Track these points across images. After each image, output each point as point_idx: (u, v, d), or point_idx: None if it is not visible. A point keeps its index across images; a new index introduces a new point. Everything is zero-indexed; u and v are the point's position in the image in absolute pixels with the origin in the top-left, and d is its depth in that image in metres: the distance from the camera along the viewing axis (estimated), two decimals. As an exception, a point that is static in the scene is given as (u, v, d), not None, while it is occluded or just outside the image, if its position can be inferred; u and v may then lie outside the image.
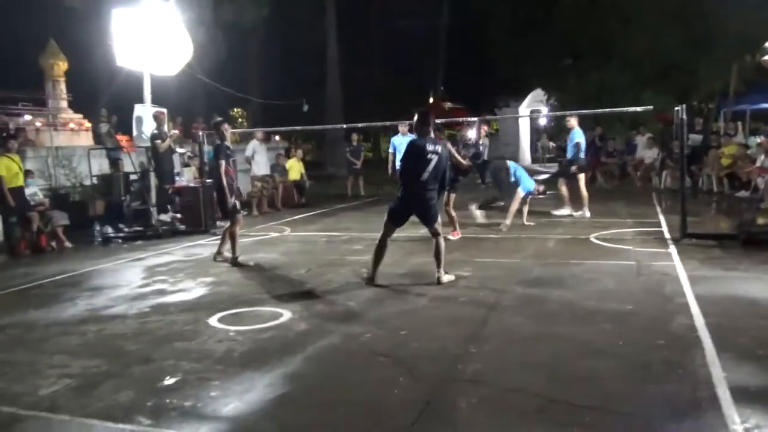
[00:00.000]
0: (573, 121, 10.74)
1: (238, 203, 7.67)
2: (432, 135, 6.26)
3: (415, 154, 6.04)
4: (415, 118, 6.25)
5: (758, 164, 10.80)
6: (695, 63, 16.47)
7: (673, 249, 7.32)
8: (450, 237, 8.21)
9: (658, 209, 10.97)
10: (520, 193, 9.28)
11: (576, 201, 10.51)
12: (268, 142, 16.19)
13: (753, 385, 3.42)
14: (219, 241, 7.97)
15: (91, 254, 8.87)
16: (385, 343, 4.40)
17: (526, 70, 21.27)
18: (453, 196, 8.67)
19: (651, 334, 4.32)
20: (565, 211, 10.53)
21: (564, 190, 10.72)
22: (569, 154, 10.70)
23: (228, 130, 7.84)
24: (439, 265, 6.09)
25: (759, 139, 13.25)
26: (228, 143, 7.74)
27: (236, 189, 7.68)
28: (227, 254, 7.65)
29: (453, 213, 8.68)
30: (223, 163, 7.45)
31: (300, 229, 10.59)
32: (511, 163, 9.55)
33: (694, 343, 4.10)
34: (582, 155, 10.57)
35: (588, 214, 10.29)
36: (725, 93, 17.61)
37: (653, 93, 16.31)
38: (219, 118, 8.83)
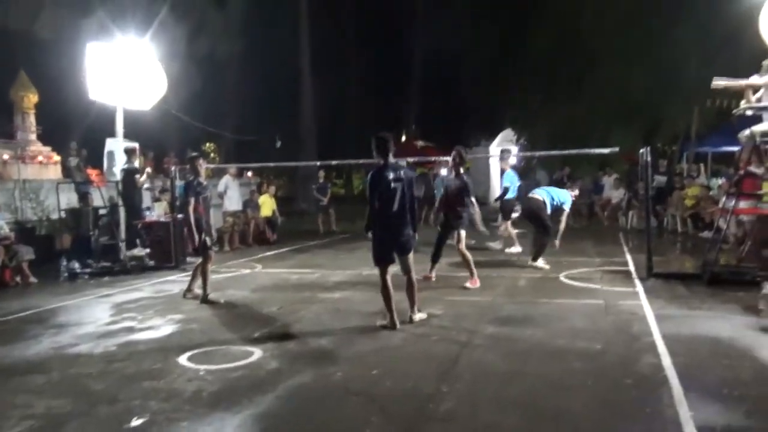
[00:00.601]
0: (504, 164, 11.10)
1: (209, 240, 7.57)
2: (392, 160, 5.91)
3: (377, 186, 5.79)
4: (373, 144, 5.90)
5: (720, 205, 11.11)
6: (660, 103, 17.03)
7: (640, 288, 7.46)
8: (468, 285, 7.72)
9: (625, 248, 11.19)
10: (566, 211, 9.51)
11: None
12: (241, 177, 16.17)
13: (719, 424, 3.49)
14: (189, 278, 7.88)
15: (57, 290, 8.68)
16: (357, 381, 4.39)
17: (498, 108, 21.76)
18: (462, 233, 7.87)
19: (620, 373, 4.39)
20: (516, 248, 10.75)
21: (503, 228, 11.18)
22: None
23: (203, 166, 7.77)
24: (412, 304, 6.09)
25: (720, 181, 13.66)
26: (202, 179, 7.69)
27: (205, 226, 7.56)
28: (198, 291, 7.56)
29: (467, 254, 7.85)
30: (192, 200, 7.39)
31: (271, 265, 10.53)
32: (540, 194, 9.32)
33: (662, 382, 4.17)
34: (511, 195, 10.96)
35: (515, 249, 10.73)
36: (688, 136, 18.21)
37: (620, 134, 16.78)
38: (194, 153, 8.77)
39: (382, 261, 5.94)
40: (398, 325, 5.82)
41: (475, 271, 7.85)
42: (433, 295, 7.25)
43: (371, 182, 5.89)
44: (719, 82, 7.99)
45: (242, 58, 23.40)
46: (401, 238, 5.92)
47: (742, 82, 7.69)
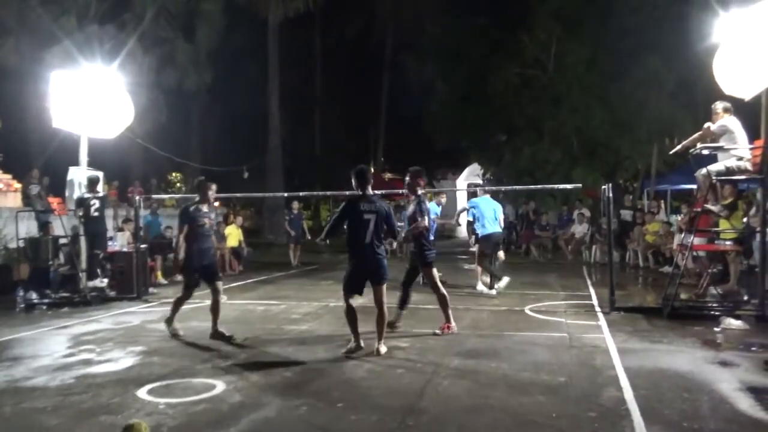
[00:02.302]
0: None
1: (189, 279, 7.14)
2: (369, 192, 6.08)
3: (350, 216, 5.96)
4: (352, 176, 6.09)
5: (677, 242, 11.41)
6: (619, 142, 17.54)
7: (603, 321, 7.56)
8: (437, 332, 6.93)
9: (589, 282, 11.37)
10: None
11: None
12: (208, 208, 15.96)
13: (679, 457, 3.53)
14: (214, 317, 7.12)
15: (12, 321, 8.39)
16: (322, 415, 4.33)
17: (463, 144, 22.14)
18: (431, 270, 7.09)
19: (583, 406, 4.43)
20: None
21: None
22: None
23: (212, 189, 7.40)
24: (380, 337, 6.07)
25: (679, 218, 14.02)
26: (203, 206, 7.26)
27: (197, 261, 6.98)
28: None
29: (444, 293, 7.04)
30: (185, 227, 7.00)
31: (237, 297, 10.38)
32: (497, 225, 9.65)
33: (624, 415, 4.22)
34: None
35: None
36: (648, 173, 18.75)
37: (582, 170, 17.20)
38: (202, 177, 8.59)
39: (351, 291, 6.02)
40: (363, 345, 5.88)
41: (451, 315, 7.06)
42: (400, 327, 7.22)
43: (344, 209, 6.09)
44: (677, 148, 8.49)
45: (211, 91, 23.39)
46: (373, 269, 5.99)
47: (696, 136, 8.01)
